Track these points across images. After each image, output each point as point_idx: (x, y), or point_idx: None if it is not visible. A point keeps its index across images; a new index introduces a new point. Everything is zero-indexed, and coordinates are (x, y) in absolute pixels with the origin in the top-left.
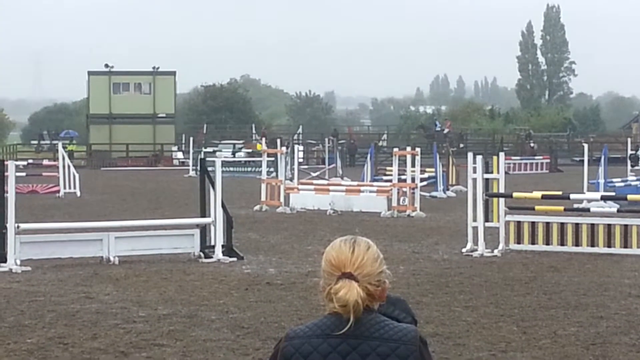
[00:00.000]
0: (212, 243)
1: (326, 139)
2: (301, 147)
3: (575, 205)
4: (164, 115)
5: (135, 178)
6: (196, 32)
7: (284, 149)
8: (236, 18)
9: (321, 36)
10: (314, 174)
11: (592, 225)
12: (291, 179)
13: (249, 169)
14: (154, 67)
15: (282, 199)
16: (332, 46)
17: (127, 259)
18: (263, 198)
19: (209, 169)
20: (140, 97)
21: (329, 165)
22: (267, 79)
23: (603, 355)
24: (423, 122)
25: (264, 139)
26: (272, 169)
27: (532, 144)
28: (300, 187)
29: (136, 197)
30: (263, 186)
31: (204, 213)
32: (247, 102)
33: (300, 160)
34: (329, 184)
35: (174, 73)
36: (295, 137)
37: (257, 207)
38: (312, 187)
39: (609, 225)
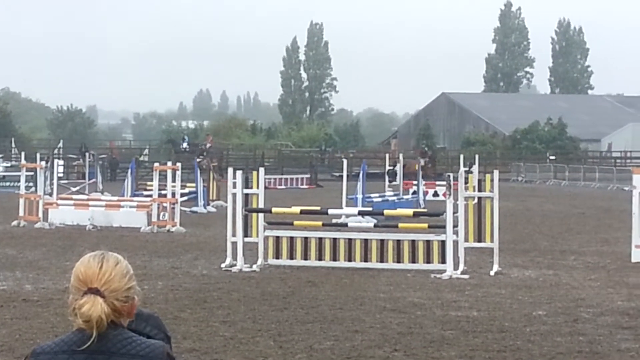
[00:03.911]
0: None
1: (86, 154)
2: (61, 162)
3: (334, 220)
4: None
5: None
6: None
7: (43, 163)
8: None
9: (83, 49)
10: (74, 189)
11: (350, 240)
12: (50, 194)
13: (8, 183)
14: None
15: (40, 214)
16: (94, 59)
17: None
18: (21, 213)
19: None
20: None
21: (89, 180)
22: (27, 92)
23: None
24: (172, 137)
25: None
26: (31, 184)
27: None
28: (59, 202)
29: None
30: (21, 201)
31: None
32: (7, 115)
33: (61, 175)
34: (88, 199)
35: None
36: (56, 151)
37: (14, 223)
38: (71, 202)
39: (366, 240)
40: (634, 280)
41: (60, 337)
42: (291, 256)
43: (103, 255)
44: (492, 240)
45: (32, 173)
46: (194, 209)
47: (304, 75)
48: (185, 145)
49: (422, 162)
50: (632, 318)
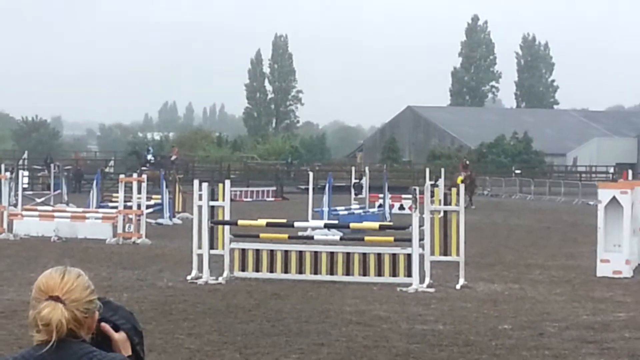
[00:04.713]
0: None
1: (51, 165)
2: (26, 173)
3: (300, 233)
4: None
5: None
6: None
7: (7, 174)
8: None
9: (48, 60)
10: (39, 200)
11: (316, 253)
12: (15, 205)
13: None
14: None
15: (5, 226)
16: (59, 70)
17: None
18: None
19: None
20: None
21: (54, 191)
22: None
23: None
24: (137, 148)
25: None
26: None
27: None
28: (24, 213)
29: None
30: None
31: None
32: None
33: (25, 186)
34: (53, 210)
35: None
36: (21, 162)
37: None
38: (36, 213)
39: (332, 253)
40: (599, 295)
41: (20, 351)
42: (257, 269)
43: (65, 268)
44: (458, 254)
45: None
46: (160, 220)
47: (269, 87)
48: (149, 156)
49: (462, 175)
50: (597, 332)
